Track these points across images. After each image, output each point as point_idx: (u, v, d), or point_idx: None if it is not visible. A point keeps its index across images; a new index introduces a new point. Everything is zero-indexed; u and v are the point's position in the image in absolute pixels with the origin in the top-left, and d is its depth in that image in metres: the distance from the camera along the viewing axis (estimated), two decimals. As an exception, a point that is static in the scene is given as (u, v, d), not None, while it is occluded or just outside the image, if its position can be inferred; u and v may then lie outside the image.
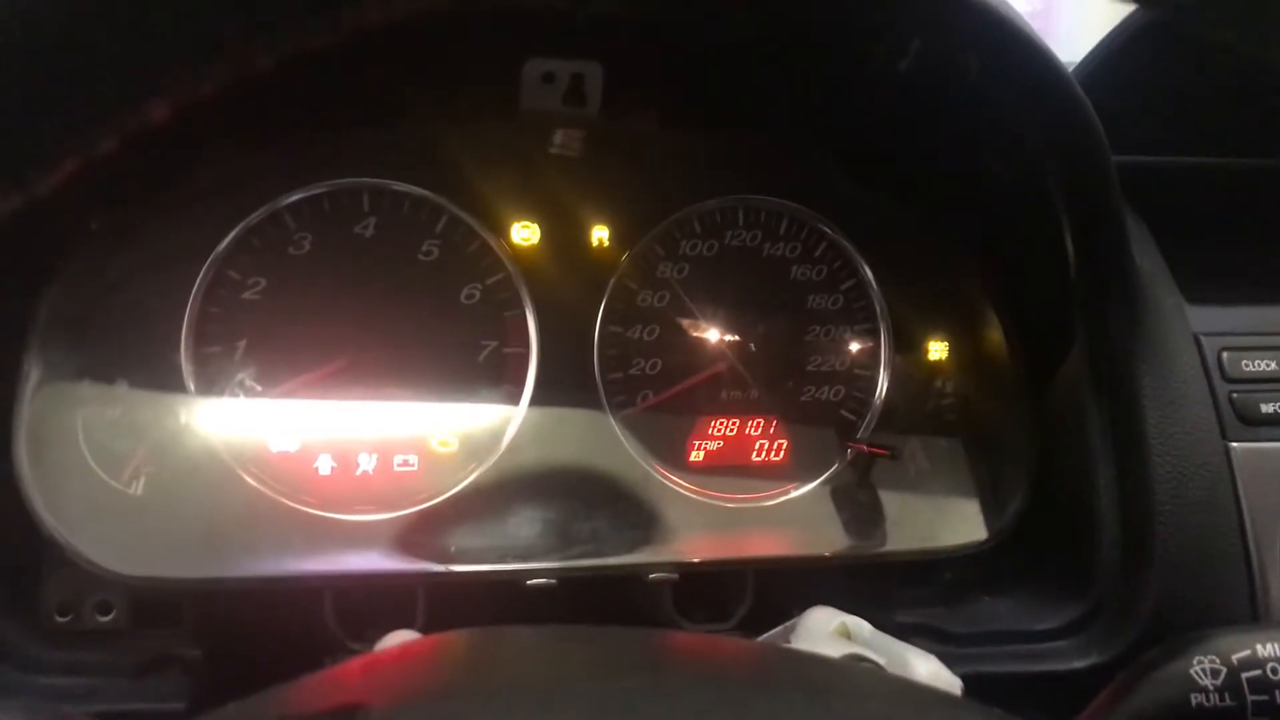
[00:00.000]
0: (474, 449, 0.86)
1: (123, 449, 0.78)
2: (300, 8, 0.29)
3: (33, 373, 0.77)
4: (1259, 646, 0.56)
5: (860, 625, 0.65)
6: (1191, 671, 0.56)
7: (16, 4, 0.26)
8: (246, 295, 0.83)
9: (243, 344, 0.83)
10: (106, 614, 0.80)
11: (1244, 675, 0.56)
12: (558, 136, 0.89)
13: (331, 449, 0.83)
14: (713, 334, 0.92)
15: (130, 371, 0.80)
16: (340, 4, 0.29)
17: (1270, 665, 0.56)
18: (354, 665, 0.48)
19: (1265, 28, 0.33)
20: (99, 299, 0.80)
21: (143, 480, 0.78)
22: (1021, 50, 0.69)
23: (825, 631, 0.64)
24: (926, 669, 0.58)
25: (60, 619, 0.79)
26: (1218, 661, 0.56)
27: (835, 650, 0.59)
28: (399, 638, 0.64)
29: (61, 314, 0.79)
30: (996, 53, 0.70)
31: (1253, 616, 0.80)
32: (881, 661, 0.57)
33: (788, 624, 0.69)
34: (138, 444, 0.79)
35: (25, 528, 0.75)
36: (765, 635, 0.72)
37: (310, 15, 0.29)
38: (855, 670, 0.50)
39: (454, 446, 0.86)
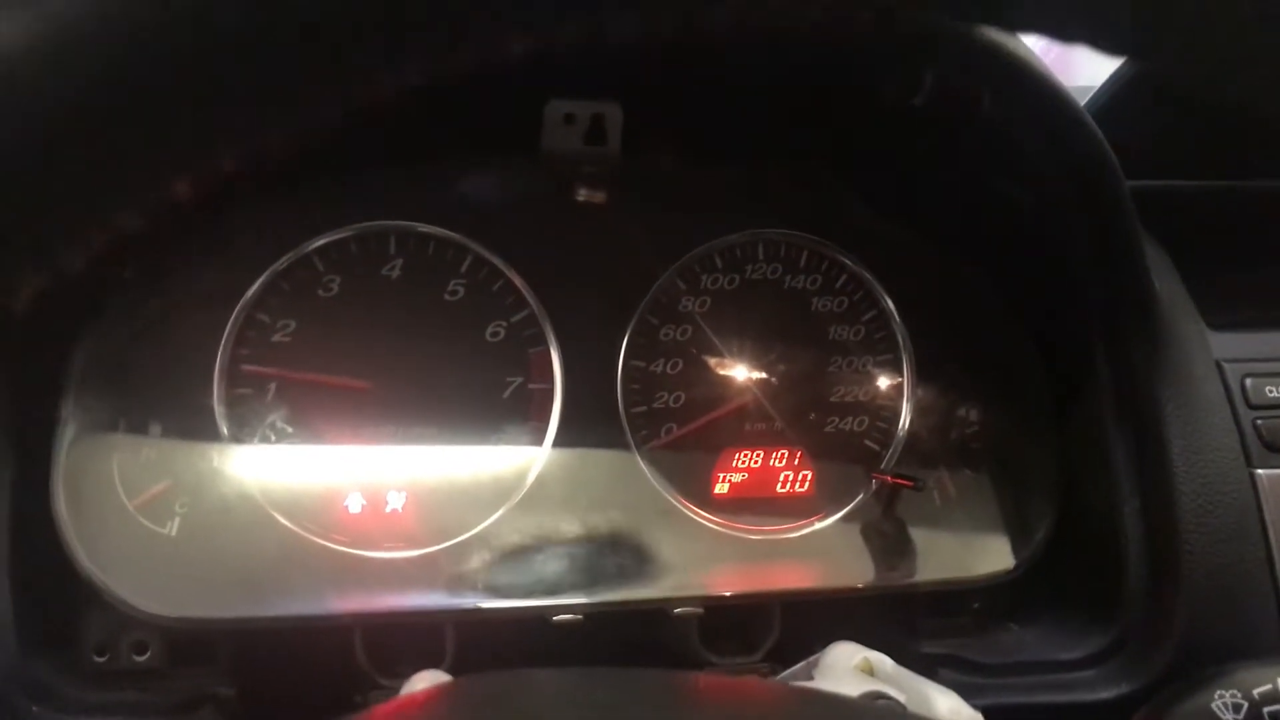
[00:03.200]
0: (501, 485, 0.87)
1: (158, 491, 0.80)
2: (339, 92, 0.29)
3: (69, 418, 0.79)
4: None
5: (883, 661, 0.65)
6: (1213, 706, 0.56)
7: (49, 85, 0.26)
8: (276, 338, 0.85)
9: (273, 386, 0.84)
10: (143, 654, 0.81)
11: (1266, 709, 0.56)
12: (581, 192, 0.90)
13: (361, 487, 0.85)
14: (735, 367, 0.93)
15: (164, 415, 0.81)
16: (373, 77, 0.30)
17: (1293, 700, 0.56)
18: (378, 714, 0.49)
19: (1255, 77, 0.33)
20: (132, 344, 0.81)
21: (177, 521, 0.80)
22: (1031, 83, 0.70)
23: (847, 667, 0.64)
24: (947, 705, 0.58)
25: (98, 659, 0.81)
26: (1239, 695, 0.56)
27: (857, 687, 0.59)
28: (426, 679, 0.65)
29: (96, 360, 0.80)
30: (1007, 86, 0.71)
31: (1281, 644, 0.80)
32: (902, 698, 0.58)
33: (810, 660, 0.69)
34: (172, 486, 0.80)
35: (63, 570, 0.77)
36: (787, 672, 0.72)
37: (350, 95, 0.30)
38: (874, 710, 0.50)
39: (481, 483, 0.87)
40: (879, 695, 0.58)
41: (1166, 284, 0.90)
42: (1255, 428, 0.84)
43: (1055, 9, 0.30)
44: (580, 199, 0.91)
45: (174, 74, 0.26)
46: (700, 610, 0.85)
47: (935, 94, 0.77)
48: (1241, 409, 0.85)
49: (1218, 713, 0.55)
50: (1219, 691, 0.56)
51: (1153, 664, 0.82)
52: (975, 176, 0.89)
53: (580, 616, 0.82)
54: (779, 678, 0.72)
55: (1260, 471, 0.83)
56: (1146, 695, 0.79)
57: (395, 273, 0.87)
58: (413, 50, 0.27)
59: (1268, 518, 0.81)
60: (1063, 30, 0.31)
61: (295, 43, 0.26)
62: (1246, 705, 0.55)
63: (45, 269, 0.27)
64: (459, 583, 0.83)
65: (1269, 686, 0.55)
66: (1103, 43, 0.31)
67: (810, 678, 0.67)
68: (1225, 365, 0.86)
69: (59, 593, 0.79)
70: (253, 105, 0.28)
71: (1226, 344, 0.88)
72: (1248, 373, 0.86)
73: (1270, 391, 0.85)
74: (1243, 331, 0.89)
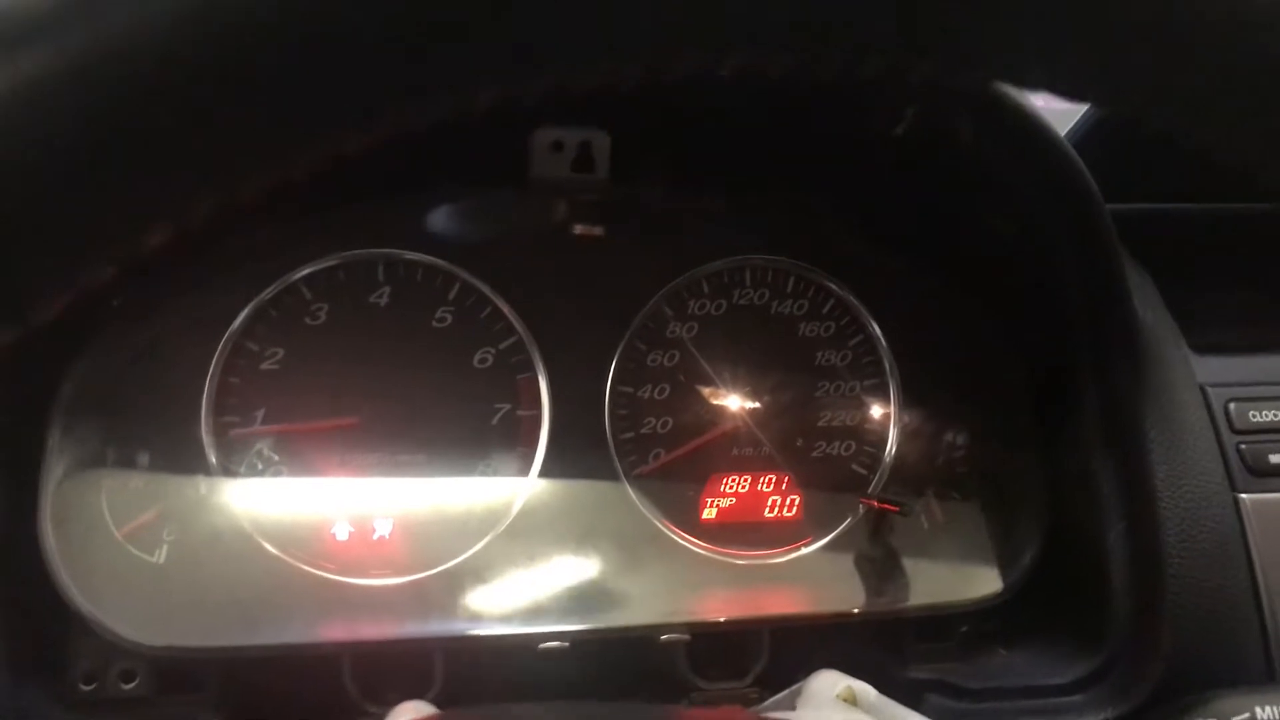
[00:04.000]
0: (488, 512, 0.87)
1: (146, 520, 0.80)
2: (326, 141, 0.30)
3: (57, 447, 0.79)
4: (1257, 709, 0.57)
5: (866, 690, 0.66)
6: (1193, 735, 0.57)
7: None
8: (265, 366, 0.85)
9: (261, 413, 0.85)
10: (130, 682, 0.81)
11: (1243, 739, 0.56)
12: (578, 227, 0.91)
13: (349, 514, 0.85)
14: (723, 392, 0.94)
15: (152, 443, 0.82)
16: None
17: (1269, 728, 0.56)
18: None
19: (1224, 123, 0.34)
20: (121, 373, 0.82)
21: (165, 549, 0.80)
22: (1009, 115, 0.71)
23: (829, 696, 0.64)
24: (928, 736, 0.58)
25: (85, 687, 0.81)
26: (1218, 725, 0.57)
27: (838, 717, 0.59)
28: (409, 710, 0.65)
29: (85, 389, 0.81)
30: (985, 118, 0.72)
31: (1267, 668, 0.80)
32: (883, 729, 0.58)
33: (793, 689, 0.70)
34: (160, 514, 0.81)
35: (51, 598, 0.77)
36: (770, 700, 0.72)
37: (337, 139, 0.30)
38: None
39: (469, 509, 0.87)
40: (859, 726, 0.58)
41: (1150, 308, 0.90)
42: (1239, 452, 0.84)
43: (1019, 62, 0.30)
44: (577, 233, 0.91)
45: (144, 130, 0.26)
46: (687, 636, 0.85)
47: (916, 126, 0.78)
48: (1225, 433, 0.85)
49: (1196, 742, 0.55)
50: (1197, 720, 0.56)
51: (1139, 688, 0.82)
52: (959, 204, 0.90)
53: (567, 644, 0.82)
54: (762, 706, 0.72)
55: (1244, 496, 0.83)
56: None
57: (383, 300, 0.88)
58: (384, 107, 0.28)
59: (1252, 542, 0.81)
60: (1023, 78, 0.32)
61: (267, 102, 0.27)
62: (1225, 734, 0.56)
63: (14, 324, 0.28)
64: (447, 610, 0.83)
65: (1246, 715, 0.55)
66: (1063, 91, 0.32)
67: (793, 706, 0.67)
68: (1209, 389, 0.87)
69: (46, 621, 0.79)
70: (225, 163, 0.28)
71: (1210, 368, 0.88)
72: (1231, 397, 0.86)
73: (1254, 416, 0.85)
74: (1226, 355, 0.90)
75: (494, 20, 0.26)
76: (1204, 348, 0.90)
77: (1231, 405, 0.86)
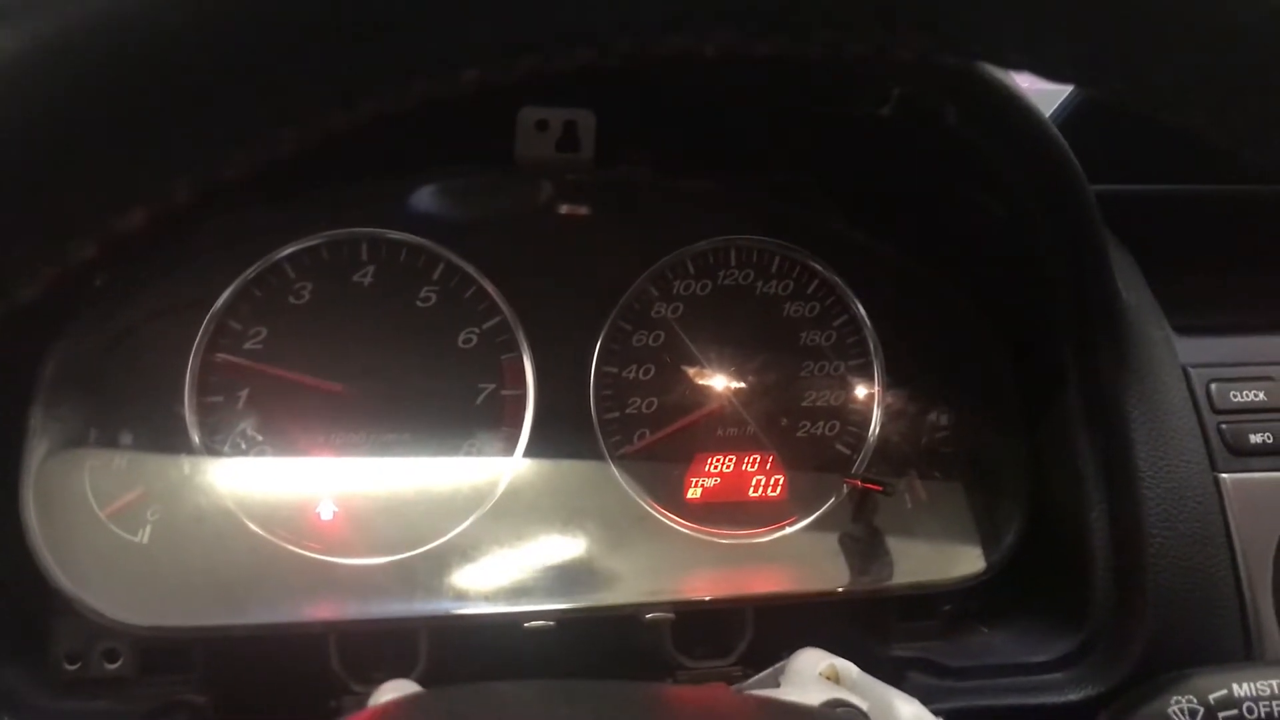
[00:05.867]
0: (473, 492, 0.87)
1: (129, 499, 0.80)
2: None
3: (40, 426, 0.79)
4: (1235, 686, 0.57)
5: (848, 668, 0.66)
6: (1170, 711, 0.57)
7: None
8: (248, 345, 0.85)
9: (245, 393, 0.84)
10: (114, 661, 0.81)
11: (1220, 715, 0.57)
12: (563, 207, 0.91)
13: (333, 494, 0.85)
14: (708, 372, 0.94)
15: (135, 423, 0.81)
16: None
17: (1246, 705, 0.57)
18: None
19: (1205, 104, 0.34)
20: (103, 352, 0.81)
21: (149, 529, 0.80)
22: (994, 96, 0.71)
23: (812, 675, 0.65)
24: (910, 712, 0.59)
25: (69, 667, 0.81)
26: (1195, 701, 0.57)
27: (821, 694, 0.60)
28: (393, 688, 0.65)
29: (68, 368, 0.80)
30: (969, 99, 0.72)
31: (1245, 646, 0.81)
32: (864, 706, 0.58)
33: (777, 667, 0.70)
34: (144, 494, 0.80)
35: (34, 578, 0.77)
36: (754, 678, 0.73)
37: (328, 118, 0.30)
38: (836, 718, 0.51)
39: (454, 489, 0.87)
40: (841, 703, 0.58)
41: (1133, 289, 0.90)
42: (1220, 432, 0.85)
43: (999, 41, 0.30)
44: (562, 213, 0.91)
45: (123, 112, 0.26)
46: (672, 615, 0.85)
47: (902, 106, 0.78)
48: (1206, 413, 0.86)
49: (1174, 718, 0.56)
50: (1176, 697, 0.57)
51: (1120, 666, 0.82)
52: (944, 184, 0.90)
53: (552, 622, 0.83)
54: (746, 684, 0.73)
55: (1224, 476, 0.84)
56: (1115, 697, 0.80)
57: (367, 280, 0.87)
58: (364, 87, 0.27)
59: (1231, 522, 0.82)
60: (1005, 58, 0.32)
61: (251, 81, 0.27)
62: (1202, 710, 0.56)
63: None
64: (432, 589, 0.83)
65: (1224, 692, 0.56)
66: (1043, 71, 0.32)
67: (777, 684, 0.67)
68: (1191, 370, 0.87)
69: (29, 600, 0.79)
70: (209, 140, 0.28)
71: (1192, 349, 0.89)
72: (1213, 377, 0.87)
73: (1235, 396, 0.86)
74: (1208, 336, 0.90)
75: (475, 1, 0.25)
76: (1186, 328, 0.90)
77: (1213, 385, 0.86)
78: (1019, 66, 0.32)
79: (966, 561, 0.92)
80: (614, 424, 0.91)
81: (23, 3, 0.26)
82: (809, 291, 0.96)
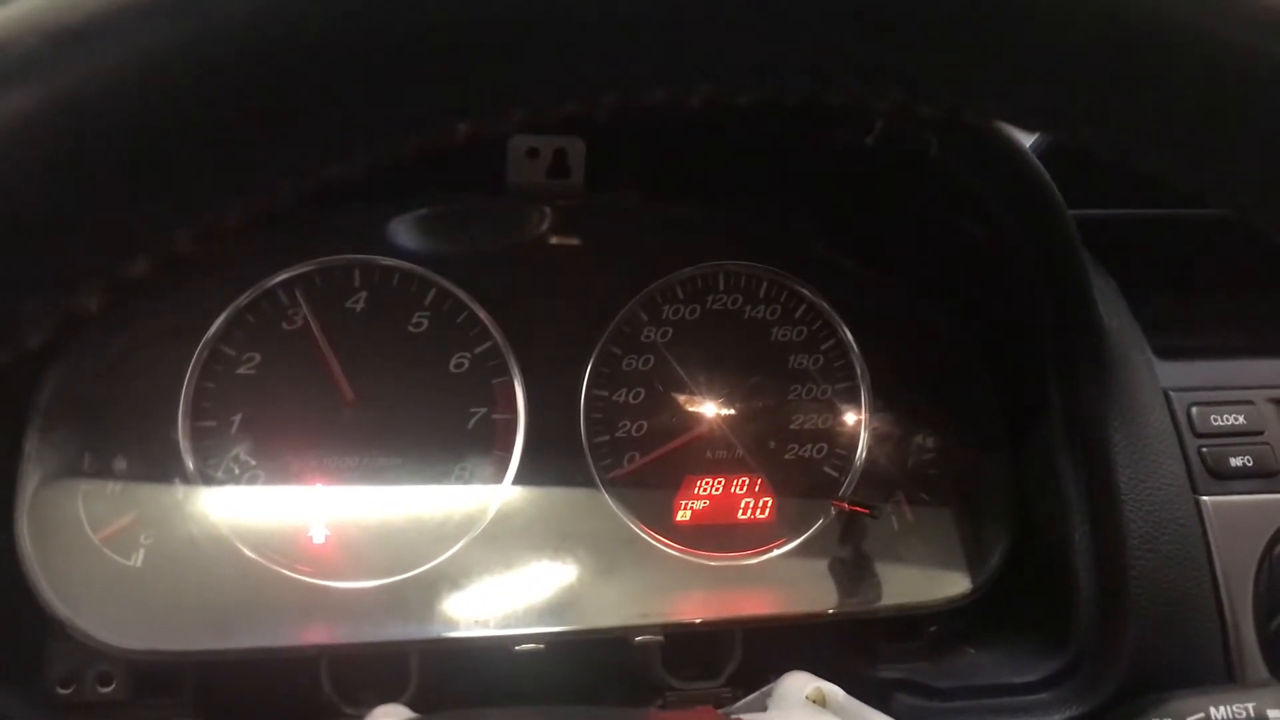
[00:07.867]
0: (464, 515, 0.88)
1: (123, 524, 0.81)
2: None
3: (34, 451, 0.79)
4: (1212, 709, 0.58)
5: (835, 692, 0.67)
6: (1149, 735, 0.58)
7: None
8: (241, 370, 0.86)
9: (238, 418, 0.85)
10: (107, 685, 0.81)
11: (1197, 738, 0.58)
12: (553, 238, 0.93)
13: (325, 517, 0.85)
14: (697, 396, 0.95)
15: (129, 448, 0.82)
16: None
17: (1223, 729, 0.58)
18: None
19: (1165, 154, 0.35)
20: (98, 378, 0.82)
21: (142, 553, 0.80)
22: (975, 127, 0.72)
23: (799, 698, 0.66)
24: (893, 736, 0.60)
25: (62, 691, 0.81)
26: (1173, 725, 0.58)
27: (807, 718, 0.60)
28: (384, 713, 0.66)
29: (63, 394, 0.81)
30: (952, 131, 0.73)
31: (1227, 666, 0.82)
32: (849, 730, 0.59)
33: (764, 690, 0.71)
34: (137, 518, 0.81)
35: (27, 602, 0.77)
36: (741, 702, 0.73)
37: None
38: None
39: (445, 513, 0.88)
40: (824, 728, 0.59)
41: (1114, 313, 0.92)
42: (1200, 455, 0.86)
43: (976, 96, 0.32)
44: (553, 239, 0.92)
45: (125, 162, 0.27)
46: (661, 638, 0.86)
47: (886, 136, 0.79)
48: (1187, 437, 0.87)
49: (1153, 741, 0.57)
50: (1154, 720, 0.58)
51: (1105, 685, 0.83)
52: (928, 210, 0.91)
53: (543, 646, 0.83)
54: (733, 708, 0.74)
55: (1205, 498, 0.85)
56: (1099, 718, 0.81)
57: (359, 305, 0.88)
58: (364, 143, 0.29)
59: (1213, 544, 0.83)
60: (979, 112, 0.33)
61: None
62: (1180, 733, 0.57)
63: (7, 347, 0.29)
64: (423, 613, 0.84)
65: (1200, 715, 0.57)
66: (1014, 120, 0.33)
67: (764, 707, 0.68)
68: (1172, 394, 0.88)
69: (23, 624, 0.79)
70: (217, 192, 0.29)
71: (1173, 372, 0.90)
72: (1194, 401, 0.88)
73: (1215, 420, 0.87)
74: (1189, 360, 0.92)
75: (468, 64, 0.27)
76: (1167, 352, 0.91)
77: (1194, 409, 0.88)
78: (997, 118, 0.33)
79: (952, 583, 0.93)
80: (604, 447, 0.92)
81: (37, 60, 0.27)
82: (796, 316, 0.97)
